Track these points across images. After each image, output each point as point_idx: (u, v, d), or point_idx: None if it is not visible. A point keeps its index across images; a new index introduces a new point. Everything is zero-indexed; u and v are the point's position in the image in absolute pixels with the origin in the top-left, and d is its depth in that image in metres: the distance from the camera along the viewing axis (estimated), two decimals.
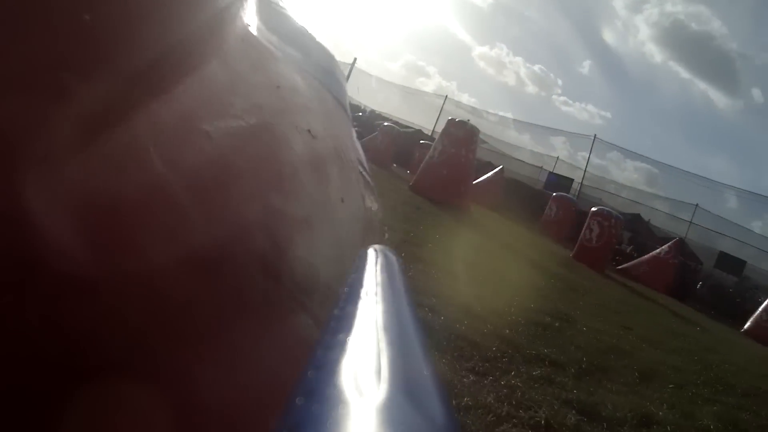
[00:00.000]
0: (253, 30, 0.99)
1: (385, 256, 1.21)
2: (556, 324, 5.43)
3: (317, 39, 1.37)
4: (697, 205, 33.07)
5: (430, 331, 3.59)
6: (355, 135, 1.40)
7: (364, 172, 1.34)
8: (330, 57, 1.40)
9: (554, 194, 22.47)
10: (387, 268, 1.07)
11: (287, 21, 1.28)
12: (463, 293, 4.99)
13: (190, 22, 0.73)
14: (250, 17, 1.02)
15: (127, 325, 0.65)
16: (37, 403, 0.58)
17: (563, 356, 4.35)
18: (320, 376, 0.40)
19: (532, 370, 3.70)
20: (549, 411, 3.13)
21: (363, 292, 0.77)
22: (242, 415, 0.84)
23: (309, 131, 0.98)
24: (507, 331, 4.39)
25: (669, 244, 18.91)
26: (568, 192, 29.02)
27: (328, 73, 1.33)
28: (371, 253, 1.24)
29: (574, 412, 3.28)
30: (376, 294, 0.76)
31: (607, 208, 17.30)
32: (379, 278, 0.91)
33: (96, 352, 0.61)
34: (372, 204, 1.34)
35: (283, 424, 0.34)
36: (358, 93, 45.41)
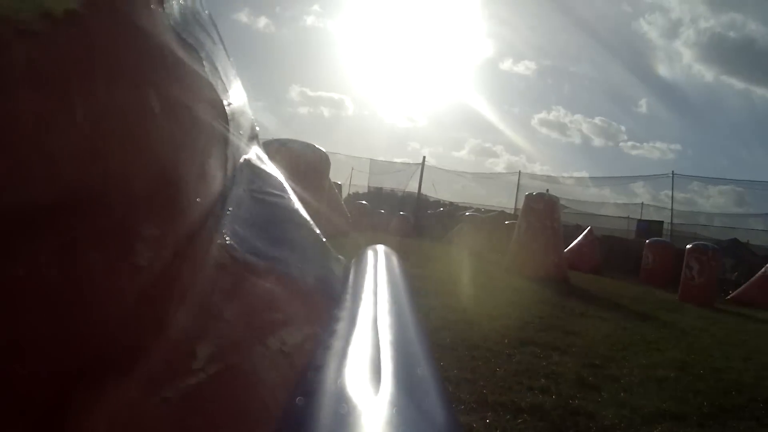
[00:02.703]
0: (236, 241, 0.98)
1: (386, 256, 1.32)
2: (672, 375, 5.48)
3: (315, 231, 1.34)
4: None
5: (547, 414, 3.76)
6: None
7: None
8: (325, 249, 1.37)
9: (647, 241, 22.12)
10: (388, 268, 1.20)
11: (280, 211, 1.28)
12: (573, 369, 5.14)
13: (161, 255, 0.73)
14: (236, 222, 1.03)
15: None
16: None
17: (683, 406, 4.42)
18: (320, 376, 0.47)
19: (652, 429, 3.83)
20: None
21: (363, 292, 0.90)
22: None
23: (281, 349, 0.94)
24: (622, 394, 4.51)
25: None
26: (660, 235, 28.45)
27: (321, 266, 1.29)
28: (371, 252, 1.34)
29: None
30: (376, 293, 0.89)
31: (702, 243, 16.89)
32: (379, 278, 1.05)
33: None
34: None
35: (283, 424, 0.40)
36: (435, 190, 45.91)
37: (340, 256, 1.46)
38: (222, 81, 1.04)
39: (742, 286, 18.35)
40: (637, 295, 14.07)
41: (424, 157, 45.85)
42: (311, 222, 1.39)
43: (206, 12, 1.12)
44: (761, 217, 34.06)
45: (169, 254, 0.75)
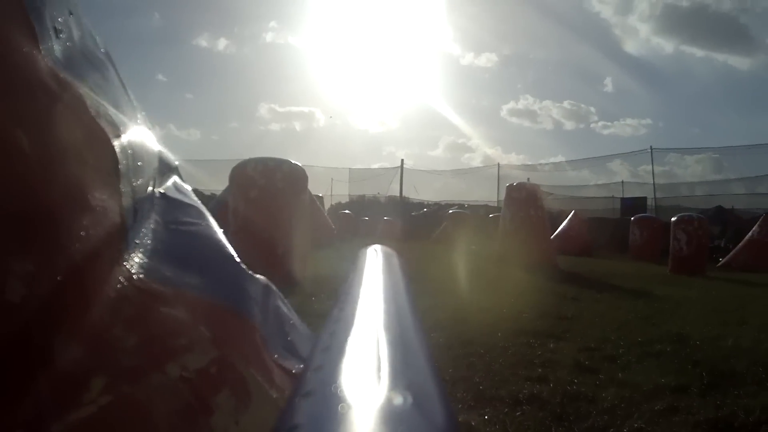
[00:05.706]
0: (140, 272, 1.00)
1: (386, 255, 1.33)
2: (668, 348, 5.42)
3: (229, 253, 1.39)
4: None
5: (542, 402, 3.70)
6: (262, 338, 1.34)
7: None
8: (239, 269, 1.39)
9: (632, 218, 22.19)
10: (387, 268, 1.19)
11: (194, 239, 1.31)
12: (570, 354, 5.11)
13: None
14: (143, 253, 1.06)
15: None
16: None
17: (684, 379, 4.35)
18: (320, 376, 0.46)
19: (654, 405, 3.74)
20: None
21: (363, 292, 0.88)
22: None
23: (181, 375, 0.98)
24: (620, 374, 4.46)
25: (758, 223, 18.24)
26: (645, 210, 28.55)
27: (234, 287, 1.32)
28: (371, 252, 1.35)
29: None
30: (375, 293, 0.87)
31: (687, 213, 16.99)
32: (379, 277, 1.03)
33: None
34: None
35: (283, 424, 0.38)
36: (417, 191, 46.14)
37: (257, 276, 1.49)
38: (111, 116, 1.02)
39: (732, 252, 18.41)
40: (627, 272, 14.08)
41: (402, 160, 46.20)
42: (227, 245, 1.43)
43: (102, 50, 1.14)
44: (741, 182, 34.25)
45: (50, 290, 0.72)
